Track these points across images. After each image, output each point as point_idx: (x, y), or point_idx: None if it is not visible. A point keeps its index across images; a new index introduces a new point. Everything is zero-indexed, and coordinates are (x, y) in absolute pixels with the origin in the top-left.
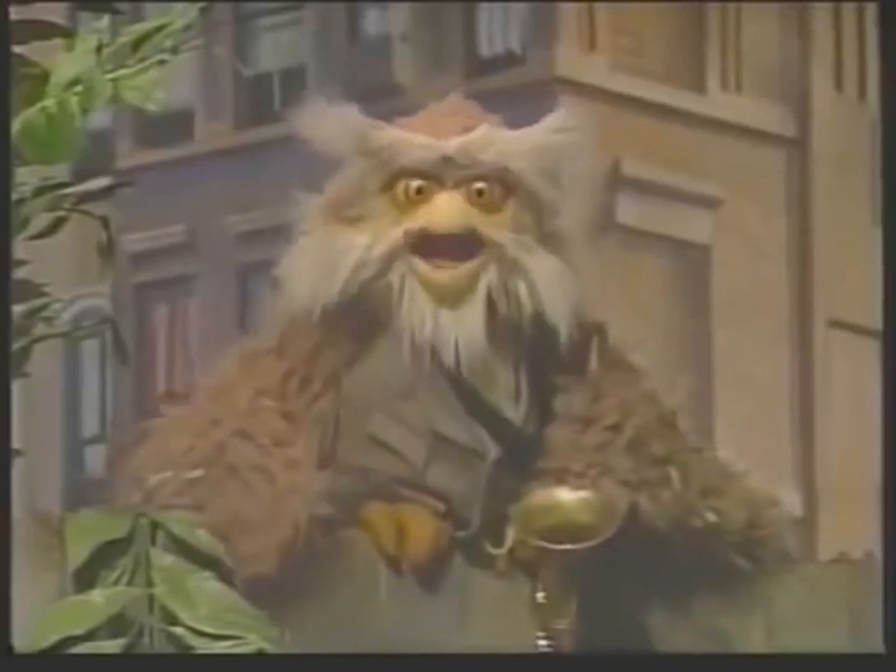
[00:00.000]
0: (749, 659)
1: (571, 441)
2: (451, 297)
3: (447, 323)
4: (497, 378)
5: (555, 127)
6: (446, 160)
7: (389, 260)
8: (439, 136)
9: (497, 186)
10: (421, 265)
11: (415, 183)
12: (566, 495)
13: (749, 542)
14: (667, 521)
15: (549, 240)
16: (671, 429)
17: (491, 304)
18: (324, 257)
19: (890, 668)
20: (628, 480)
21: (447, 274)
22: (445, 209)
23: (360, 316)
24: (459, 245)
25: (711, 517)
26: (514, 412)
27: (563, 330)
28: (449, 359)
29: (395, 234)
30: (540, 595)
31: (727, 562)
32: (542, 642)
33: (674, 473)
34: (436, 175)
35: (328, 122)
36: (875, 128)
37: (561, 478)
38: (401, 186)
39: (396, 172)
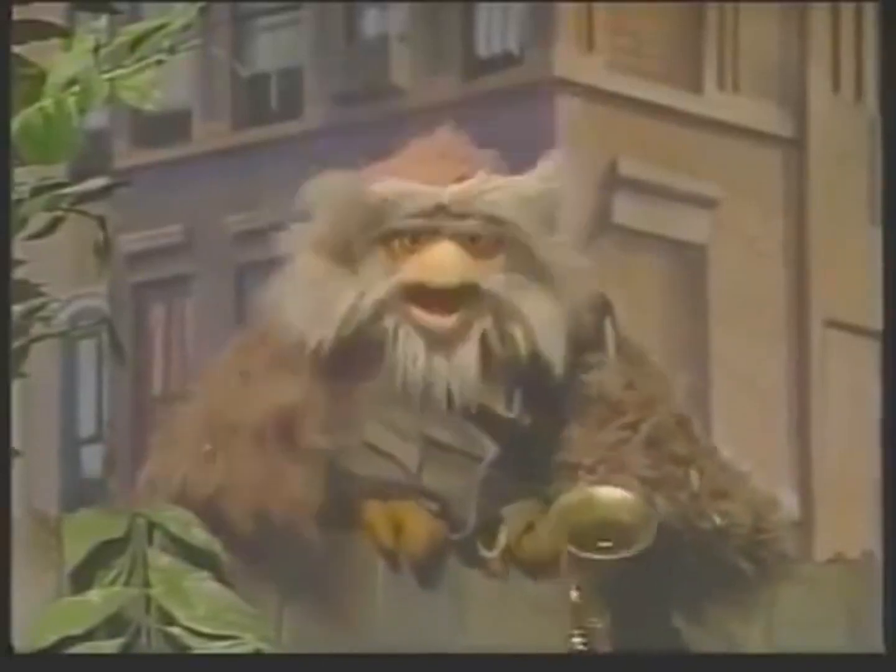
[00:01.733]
0: (749, 659)
1: (585, 437)
2: (445, 343)
3: (440, 367)
4: (492, 401)
5: (546, 176)
6: (440, 209)
7: (383, 308)
8: (433, 182)
9: (491, 233)
10: (415, 312)
11: (409, 236)
12: (604, 493)
13: (753, 544)
14: (681, 521)
15: (541, 276)
16: (687, 428)
17: (485, 348)
18: (316, 298)
19: (890, 668)
20: (646, 478)
21: (441, 321)
22: (441, 262)
23: (353, 356)
24: (455, 297)
25: (719, 520)
26: (510, 411)
27: (559, 368)
28: (441, 396)
29: (389, 284)
30: (574, 594)
31: (732, 565)
32: (577, 640)
33: (693, 474)
34: (430, 226)
35: (331, 192)
36: (872, 128)
37: (572, 473)
38: (395, 240)
39: (391, 229)
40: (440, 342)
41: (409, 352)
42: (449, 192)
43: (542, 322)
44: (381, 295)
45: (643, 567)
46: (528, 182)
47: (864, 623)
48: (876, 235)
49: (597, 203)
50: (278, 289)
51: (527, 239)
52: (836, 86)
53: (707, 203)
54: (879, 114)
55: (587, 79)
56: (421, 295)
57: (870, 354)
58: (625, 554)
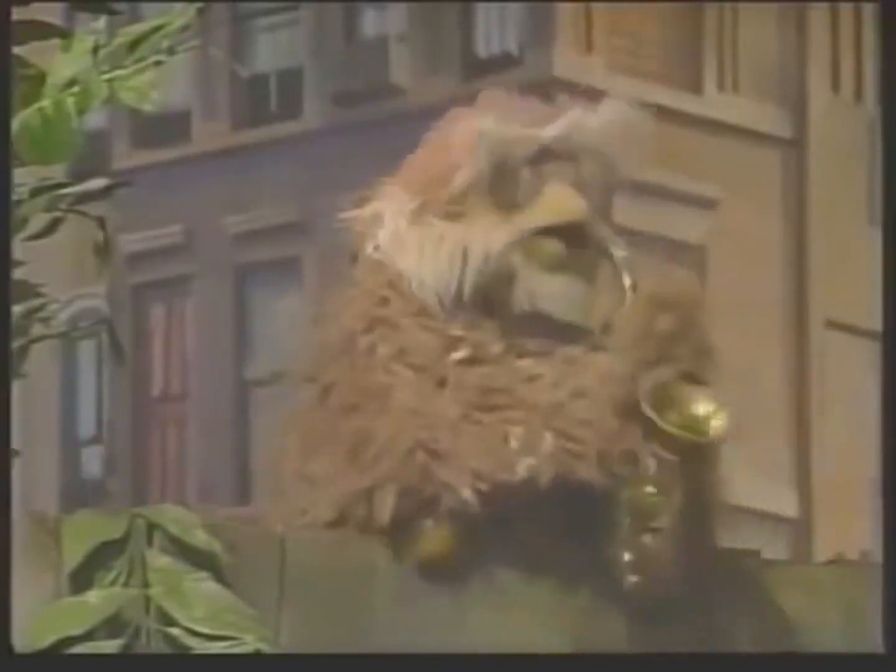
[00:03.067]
0: (749, 659)
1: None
2: (569, 273)
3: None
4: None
5: (619, 107)
6: (545, 151)
7: (508, 253)
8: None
9: (593, 172)
10: (541, 242)
11: (517, 181)
12: (694, 394)
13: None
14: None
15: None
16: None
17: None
18: (436, 256)
19: (890, 668)
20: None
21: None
22: (559, 202)
23: (483, 306)
24: (575, 234)
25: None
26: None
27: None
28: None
29: (513, 229)
30: (650, 489)
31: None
32: (647, 537)
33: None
34: (537, 170)
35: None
36: (871, 128)
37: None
38: (504, 188)
39: (500, 174)
40: (566, 272)
41: (537, 285)
42: (552, 133)
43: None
44: (504, 243)
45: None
46: (612, 109)
47: (862, 624)
48: (875, 236)
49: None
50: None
51: (621, 172)
52: (835, 86)
53: (706, 203)
54: (880, 114)
55: (586, 79)
56: (545, 236)
57: (869, 355)
58: (710, 439)
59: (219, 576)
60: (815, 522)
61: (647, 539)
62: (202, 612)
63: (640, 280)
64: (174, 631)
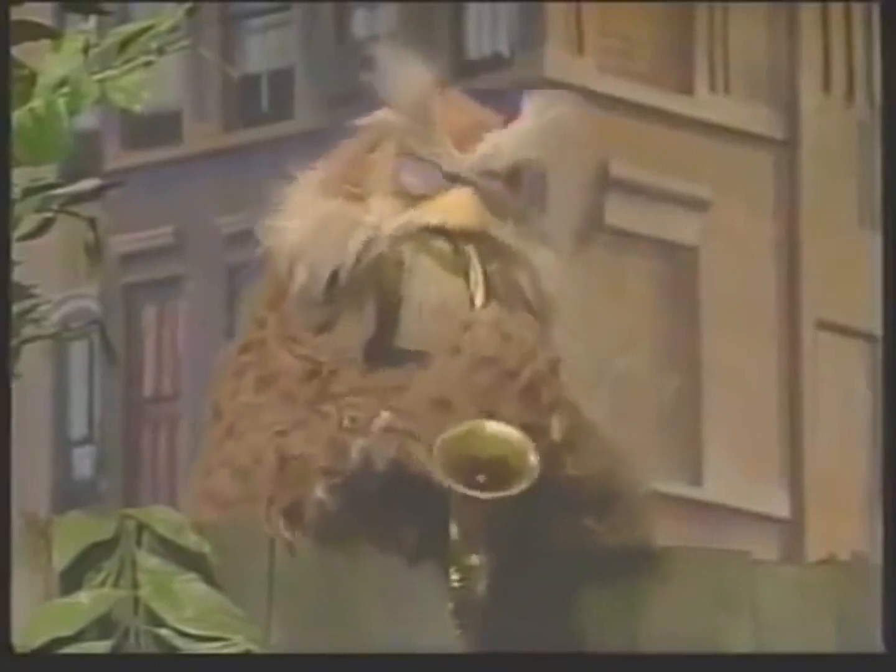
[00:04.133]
0: (749, 659)
1: (461, 377)
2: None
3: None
4: None
5: (546, 104)
6: (456, 177)
7: (400, 241)
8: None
9: (506, 184)
10: (434, 242)
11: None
12: (488, 427)
13: (602, 504)
14: (541, 468)
15: (542, 234)
16: (557, 376)
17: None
18: (328, 231)
19: (890, 668)
20: (518, 425)
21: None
22: (458, 205)
23: (368, 289)
24: (467, 240)
25: (572, 470)
26: None
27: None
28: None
29: (405, 219)
30: (454, 531)
31: (579, 522)
32: (455, 577)
33: (555, 422)
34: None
35: (408, 71)
36: (863, 129)
37: (443, 410)
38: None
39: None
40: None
41: (424, 282)
42: (466, 163)
43: (548, 275)
44: (398, 229)
45: (521, 507)
46: (528, 123)
47: (854, 624)
48: (866, 237)
49: (588, 205)
50: (280, 232)
51: (536, 186)
52: (826, 87)
53: (698, 204)
54: (879, 115)
55: (577, 81)
56: (436, 235)
57: (860, 356)
58: (505, 492)
59: (208, 576)
60: (806, 523)
61: (457, 578)
62: (192, 612)
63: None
64: (163, 632)
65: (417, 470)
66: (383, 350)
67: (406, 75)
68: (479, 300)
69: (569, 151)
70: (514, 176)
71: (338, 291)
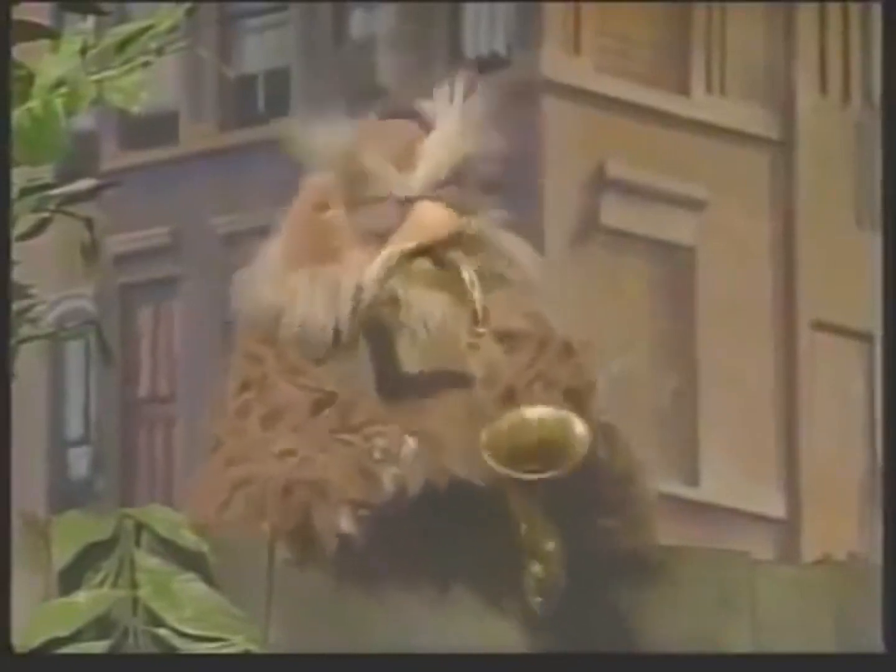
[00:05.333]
0: (749, 659)
1: (505, 360)
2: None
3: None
4: None
5: (450, 102)
6: (406, 201)
7: (386, 279)
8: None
9: (456, 184)
10: (419, 265)
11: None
12: (530, 413)
13: (620, 487)
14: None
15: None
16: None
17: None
18: (314, 296)
19: (890, 668)
20: (570, 387)
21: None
22: (427, 220)
23: (366, 332)
24: (448, 247)
25: (603, 454)
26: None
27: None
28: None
29: (384, 256)
30: (522, 527)
31: (600, 521)
32: (536, 568)
33: (599, 383)
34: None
35: (317, 133)
36: (859, 130)
37: (509, 397)
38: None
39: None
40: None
41: (421, 306)
42: (418, 182)
43: (519, 252)
44: (380, 271)
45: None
46: (448, 122)
47: (853, 625)
48: (863, 237)
49: (584, 205)
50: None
51: (476, 172)
52: (823, 88)
53: (695, 205)
54: (881, 113)
55: (575, 81)
56: (418, 258)
57: (857, 356)
58: (561, 471)
59: (207, 576)
60: (803, 523)
61: (538, 568)
62: (191, 612)
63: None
64: (162, 632)
65: (454, 485)
66: (393, 381)
67: (320, 140)
68: (476, 295)
69: (491, 130)
70: (459, 175)
71: (336, 341)
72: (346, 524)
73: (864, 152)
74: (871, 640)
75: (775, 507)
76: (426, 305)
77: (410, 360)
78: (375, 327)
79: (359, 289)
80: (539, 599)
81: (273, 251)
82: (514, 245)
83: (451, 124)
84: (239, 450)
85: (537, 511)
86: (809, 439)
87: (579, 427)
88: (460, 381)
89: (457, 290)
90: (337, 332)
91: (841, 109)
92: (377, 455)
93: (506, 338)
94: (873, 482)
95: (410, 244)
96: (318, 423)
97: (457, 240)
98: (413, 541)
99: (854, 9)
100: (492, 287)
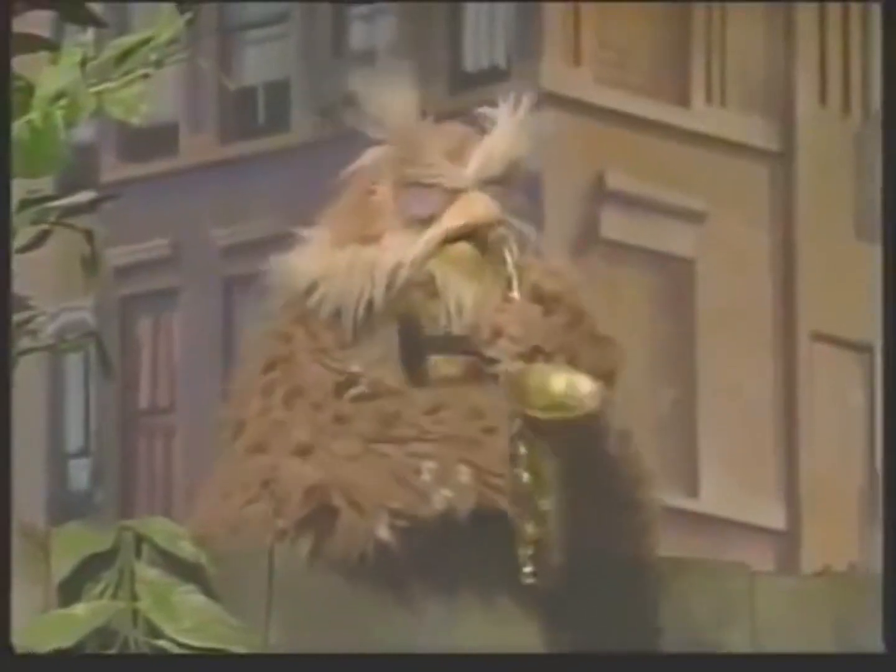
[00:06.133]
0: (749, 659)
1: (538, 320)
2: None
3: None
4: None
5: (513, 107)
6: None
7: (424, 262)
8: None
9: (503, 186)
10: (460, 249)
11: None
12: (556, 372)
13: (629, 511)
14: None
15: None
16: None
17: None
18: (352, 275)
19: (890, 668)
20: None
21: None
22: (474, 206)
23: (397, 314)
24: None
25: (612, 449)
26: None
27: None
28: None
29: (425, 239)
30: (525, 475)
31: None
32: (529, 527)
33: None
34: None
35: (386, 99)
36: (859, 141)
37: (532, 358)
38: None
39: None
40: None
41: (454, 294)
42: (469, 174)
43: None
44: (419, 254)
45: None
46: (508, 127)
47: (852, 636)
48: (862, 249)
49: (584, 216)
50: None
51: (527, 175)
52: (822, 99)
53: (694, 216)
54: (882, 114)
55: (574, 92)
56: (458, 241)
57: (856, 367)
58: (572, 416)
59: (206, 588)
60: (802, 534)
61: (532, 528)
62: (190, 623)
63: (522, 276)
64: (162, 643)
65: (497, 519)
66: (420, 374)
67: (389, 104)
68: (512, 268)
69: (548, 146)
70: (509, 177)
71: (368, 320)
72: (383, 531)
73: (864, 163)
74: (873, 649)
75: (775, 519)
76: (461, 290)
77: (438, 350)
78: (408, 315)
79: (396, 269)
80: (529, 569)
81: (318, 229)
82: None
83: (508, 130)
84: (260, 434)
85: (545, 461)
86: (809, 450)
87: (590, 386)
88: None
89: (493, 277)
90: (369, 309)
91: (841, 120)
92: (426, 476)
93: (541, 300)
94: (873, 493)
95: (455, 224)
96: (344, 407)
97: (500, 226)
98: (447, 559)
99: (854, 19)
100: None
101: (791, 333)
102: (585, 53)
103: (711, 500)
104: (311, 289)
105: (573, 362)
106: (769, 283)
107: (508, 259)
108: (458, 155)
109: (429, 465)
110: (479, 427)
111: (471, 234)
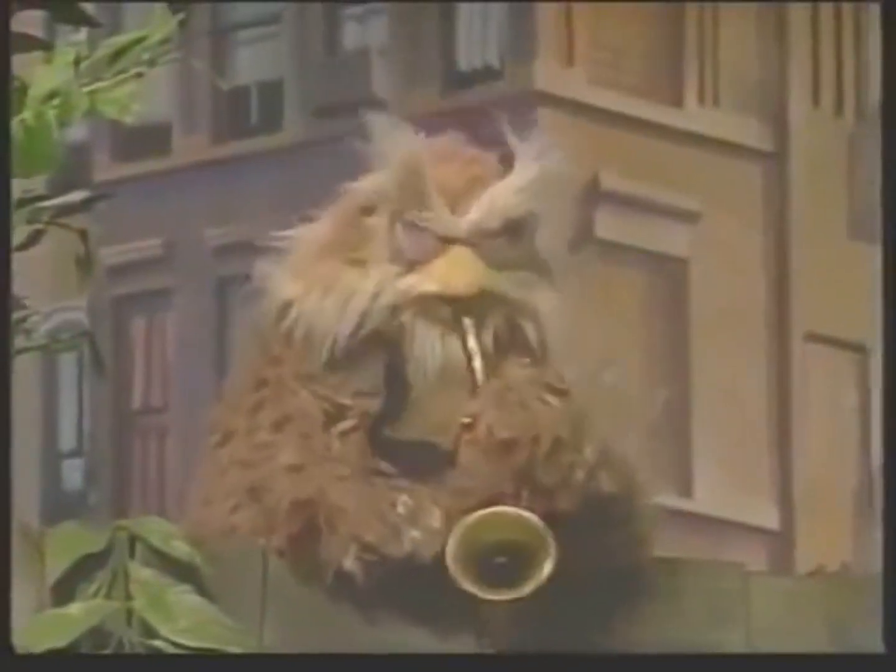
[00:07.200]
0: (749, 659)
1: (497, 463)
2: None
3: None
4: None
5: (538, 152)
6: (455, 239)
7: (399, 310)
8: (446, 184)
9: (504, 238)
10: (433, 308)
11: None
12: (505, 513)
13: (627, 520)
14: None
15: (536, 263)
16: (580, 428)
17: (497, 343)
18: (328, 297)
19: (890, 668)
20: (551, 488)
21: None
22: (457, 270)
23: (373, 351)
24: (470, 301)
25: (606, 487)
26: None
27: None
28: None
29: (403, 287)
30: (486, 642)
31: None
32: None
33: (588, 451)
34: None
35: (392, 134)
36: (852, 142)
37: (496, 502)
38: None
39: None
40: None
41: (426, 345)
42: (467, 224)
43: (549, 315)
44: (394, 299)
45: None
46: (526, 169)
47: (847, 636)
48: (856, 249)
49: (578, 216)
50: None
51: (533, 229)
52: (815, 100)
53: (688, 217)
54: (881, 114)
55: (568, 93)
56: (436, 300)
57: (850, 367)
58: (531, 584)
59: (201, 588)
60: (796, 534)
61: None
62: (185, 624)
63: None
64: (157, 643)
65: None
66: (405, 413)
67: (397, 143)
68: (479, 376)
69: (560, 203)
70: (512, 229)
71: (350, 349)
72: (349, 563)
73: (857, 164)
74: (867, 651)
75: (769, 519)
76: (428, 349)
77: (414, 402)
78: (390, 348)
79: (370, 305)
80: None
81: (307, 238)
82: (546, 307)
83: (527, 175)
84: (246, 451)
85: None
86: (803, 450)
87: (551, 541)
88: (491, 471)
89: (460, 348)
90: (336, 341)
91: (834, 121)
92: (401, 509)
93: (495, 447)
94: (867, 493)
95: (428, 288)
96: (333, 440)
97: (479, 297)
98: (408, 598)
99: (847, 20)
100: (507, 348)
101: (785, 334)
102: (579, 54)
103: (706, 500)
104: (284, 309)
105: (535, 491)
106: (763, 284)
107: (472, 347)
108: (461, 198)
109: (404, 499)
110: (452, 479)
111: (445, 300)
